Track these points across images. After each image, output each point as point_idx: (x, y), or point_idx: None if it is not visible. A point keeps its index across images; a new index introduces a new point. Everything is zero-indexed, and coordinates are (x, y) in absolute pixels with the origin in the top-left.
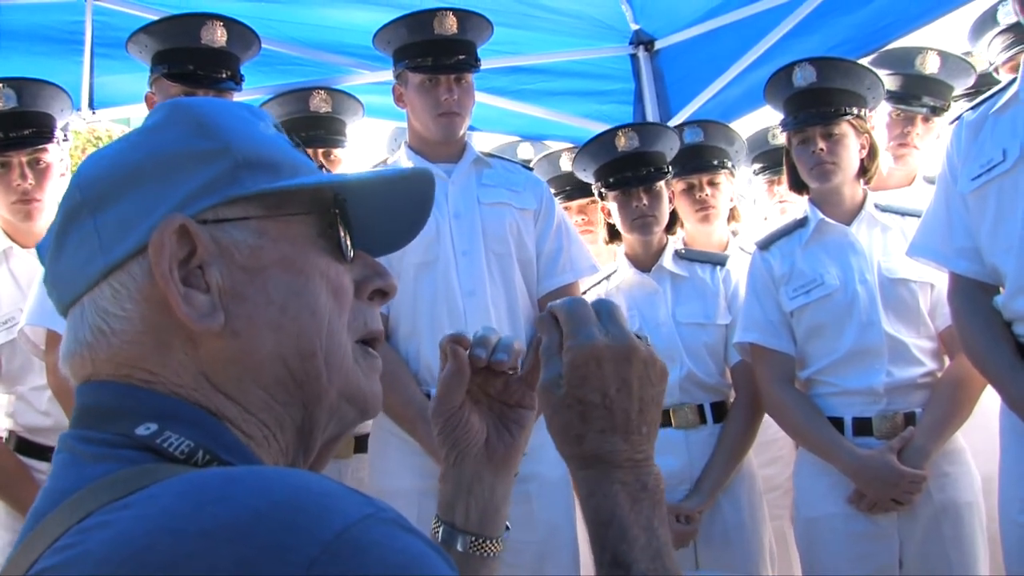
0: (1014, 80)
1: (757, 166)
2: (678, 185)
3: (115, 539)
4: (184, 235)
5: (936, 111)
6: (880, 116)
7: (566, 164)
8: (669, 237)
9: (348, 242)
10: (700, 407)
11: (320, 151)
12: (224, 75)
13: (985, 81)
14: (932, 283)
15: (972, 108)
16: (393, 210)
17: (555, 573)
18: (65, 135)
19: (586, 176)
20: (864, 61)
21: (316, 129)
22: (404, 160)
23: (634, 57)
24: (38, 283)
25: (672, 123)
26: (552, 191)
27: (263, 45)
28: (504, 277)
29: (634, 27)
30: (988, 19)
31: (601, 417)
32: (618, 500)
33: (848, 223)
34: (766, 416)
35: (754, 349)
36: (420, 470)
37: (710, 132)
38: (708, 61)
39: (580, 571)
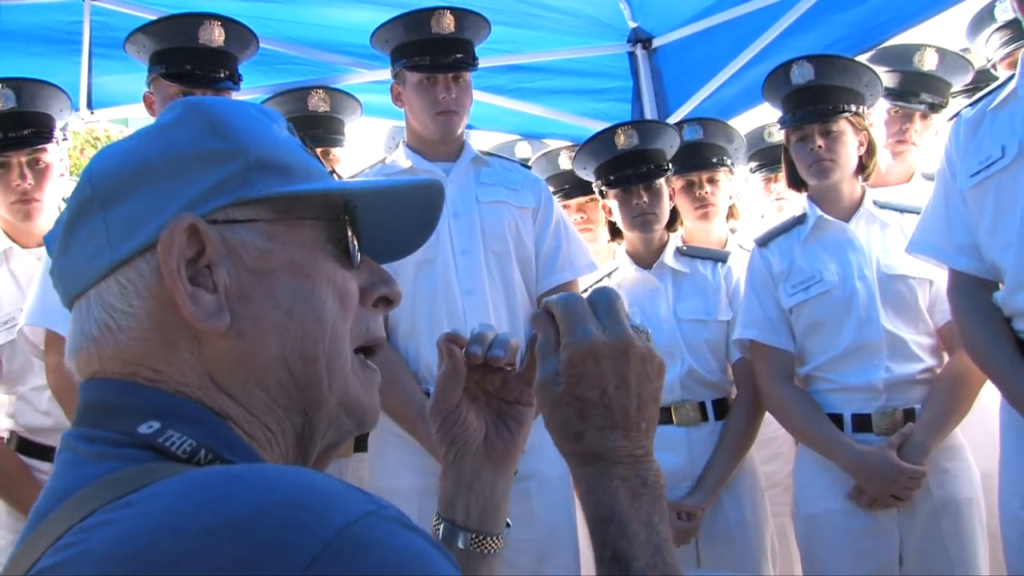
0: (1012, 77)
1: (753, 164)
2: (677, 182)
3: (117, 537)
4: (194, 234)
5: (934, 108)
6: (879, 113)
7: (565, 162)
8: (671, 234)
9: (356, 248)
10: (701, 404)
11: (319, 150)
12: (222, 75)
13: (983, 78)
14: (931, 279)
15: (970, 105)
16: (400, 217)
17: (555, 571)
18: (64, 135)
19: (587, 174)
20: (862, 58)
21: (314, 128)
22: (402, 159)
23: (632, 55)
24: (37, 282)
25: (670, 121)
26: (551, 189)
27: (261, 44)
28: (503, 276)
29: (632, 25)
30: (985, 15)
31: (600, 415)
32: (618, 496)
33: (847, 220)
34: (766, 413)
35: (753, 346)
36: (420, 469)
37: (709, 130)
38: (706, 59)
39: (580, 570)
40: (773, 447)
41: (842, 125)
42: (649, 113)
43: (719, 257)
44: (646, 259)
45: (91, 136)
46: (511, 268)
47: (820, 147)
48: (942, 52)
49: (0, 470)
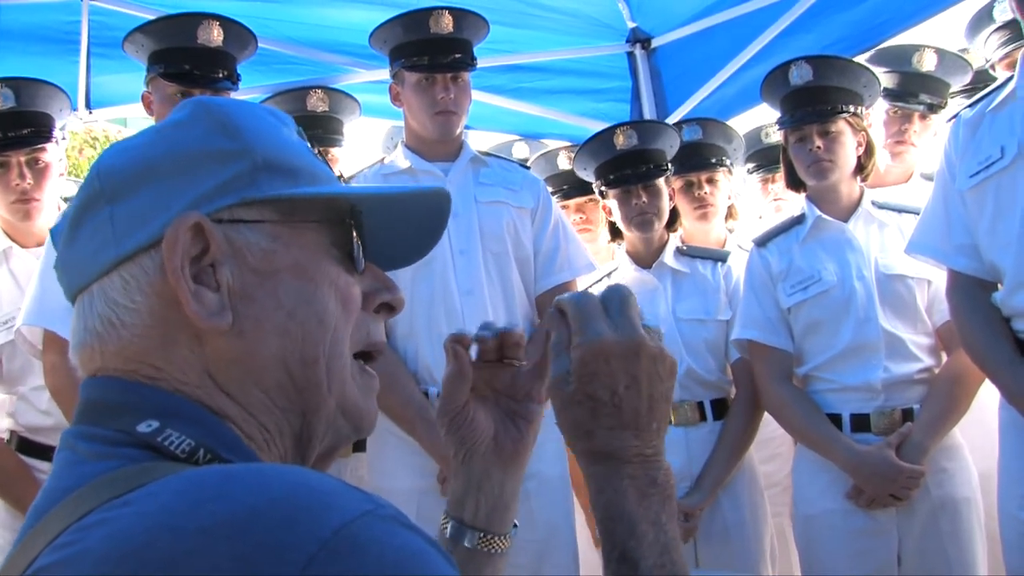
0: (1011, 77)
1: (751, 165)
2: (677, 183)
3: (114, 536)
4: (198, 233)
5: (933, 108)
6: (877, 114)
7: (563, 162)
8: (670, 234)
9: (361, 253)
10: (700, 404)
11: (317, 150)
12: (221, 74)
13: (981, 78)
14: (929, 279)
15: (970, 106)
16: (406, 224)
17: (554, 571)
18: (63, 135)
19: (587, 175)
20: (861, 59)
21: (313, 128)
22: (401, 159)
23: (631, 55)
24: (34, 282)
25: (669, 121)
26: (550, 189)
27: (260, 44)
28: (501, 276)
29: (631, 25)
30: (984, 16)
31: (610, 414)
32: (627, 495)
33: (845, 220)
34: (765, 413)
35: (752, 346)
36: (419, 469)
37: (709, 130)
38: (705, 59)
39: (579, 570)
40: (772, 447)
41: (840, 126)
42: (648, 113)
43: (719, 257)
44: (646, 259)
45: (89, 136)
46: (509, 268)
47: (819, 148)
48: (941, 53)
49: (0, 470)
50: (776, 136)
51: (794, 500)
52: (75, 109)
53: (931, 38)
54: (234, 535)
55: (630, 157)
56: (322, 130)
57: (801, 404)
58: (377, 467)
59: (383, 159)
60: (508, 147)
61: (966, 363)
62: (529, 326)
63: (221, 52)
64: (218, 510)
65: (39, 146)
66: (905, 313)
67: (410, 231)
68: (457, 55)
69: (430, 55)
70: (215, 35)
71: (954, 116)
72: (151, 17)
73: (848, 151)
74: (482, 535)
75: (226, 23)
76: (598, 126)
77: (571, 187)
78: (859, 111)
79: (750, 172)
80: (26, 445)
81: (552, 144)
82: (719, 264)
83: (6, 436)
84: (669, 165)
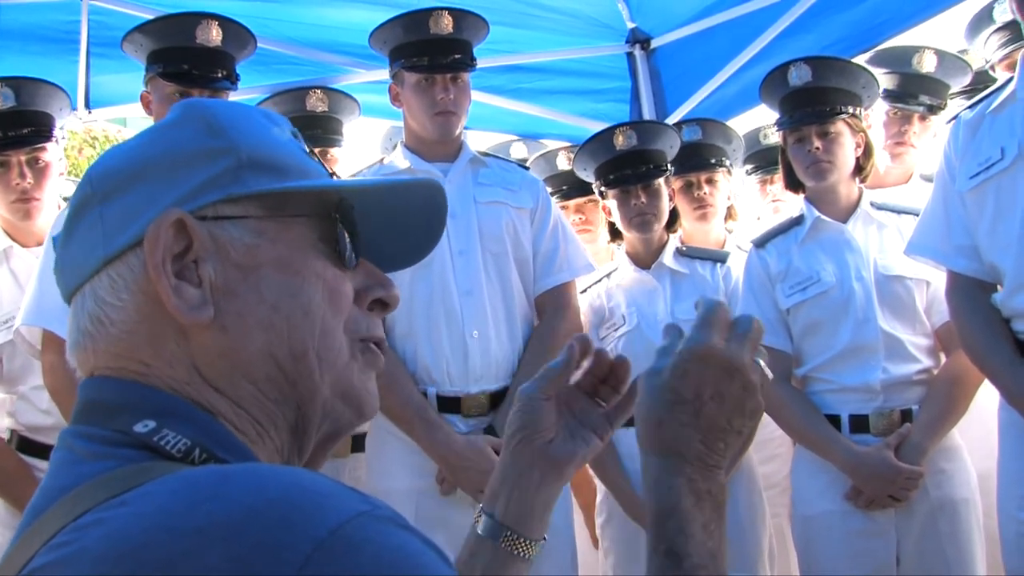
0: (1011, 79)
1: (749, 166)
2: (676, 183)
3: (111, 537)
4: (181, 229)
5: (933, 109)
6: (877, 115)
7: (563, 163)
8: (670, 235)
9: (349, 247)
10: None
11: (316, 150)
12: (220, 74)
13: (981, 79)
14: (928, 280)
15: (970, 107)
16: (405, 222)
17: (553, 571)
18: (63, 134)
19: (587, 175)
20: (860, 59)
21: (312, 128)
22: (400, 159)
23: (630, 55)
24: (33, 282)
25: (668, 121)
26: (549, 190)
27: (259, 44)
28: (501, 276)
29: (630, 25)
30: (984, 17)
31: (687, 412)
32: (683, 493)
33: (844, 221)
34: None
35: None
36: (418, 469)
37: (708, 130)
38: (704, 59)
39: (578, 570)
40: (771, 448)
41: (839, 126)
42: (647, 114)
43: (718, 258)
44: (645, 259)
45: (89, 136)
46: (509, 269)
47: (817, 148)
48: (940, 54)
49: (0, 469)
50: (775, 137)
51: (793, 501)
52: (75, 109)
53: (931, 39)
54: (230, 536)
55: (630, 157)
56: (321, 130)
57: (800, 405)
58: (376, 467)
59: (382, 159)
60: (507, 147)
61: (965, 364)
62: (528, 327)
63: (220, 52)
64: (214, 511)
65: (39, 145)
66: (904, 314)
67: (409, 231)
68: (457, 56)
69: (430, 56)
70: (214, 35)
71: (954, 117)
72: (150, 17)
73: (847, 152)
74: (508, 533)
75: (225, 23)
76: (598, 126)
77: (570, 187)
78: (858, 112)
79: (748, 173)
80: (26, 444)
81: (551, 144)
82: (718, 265)
83: (6, 435)
84: (669, 166)
